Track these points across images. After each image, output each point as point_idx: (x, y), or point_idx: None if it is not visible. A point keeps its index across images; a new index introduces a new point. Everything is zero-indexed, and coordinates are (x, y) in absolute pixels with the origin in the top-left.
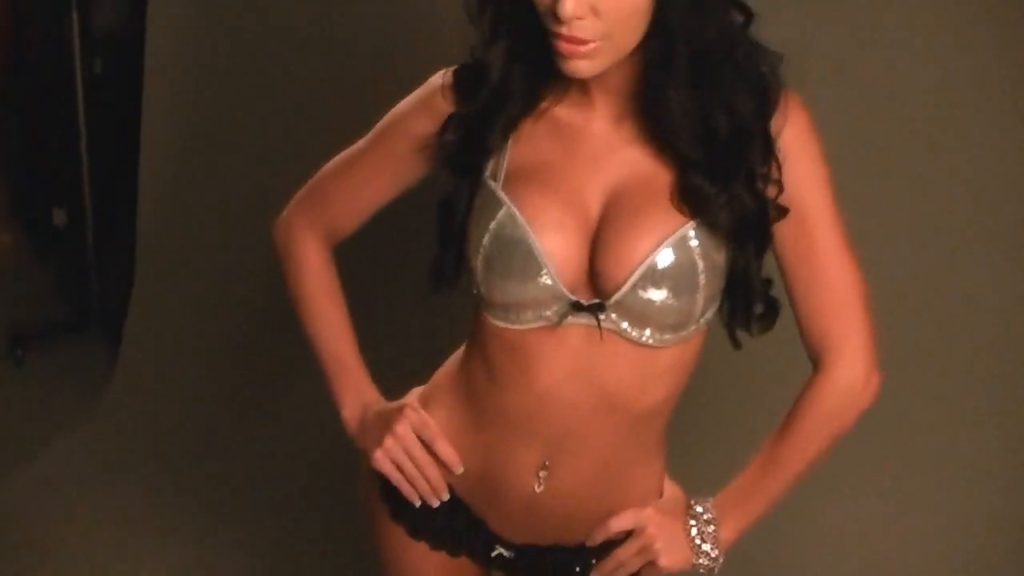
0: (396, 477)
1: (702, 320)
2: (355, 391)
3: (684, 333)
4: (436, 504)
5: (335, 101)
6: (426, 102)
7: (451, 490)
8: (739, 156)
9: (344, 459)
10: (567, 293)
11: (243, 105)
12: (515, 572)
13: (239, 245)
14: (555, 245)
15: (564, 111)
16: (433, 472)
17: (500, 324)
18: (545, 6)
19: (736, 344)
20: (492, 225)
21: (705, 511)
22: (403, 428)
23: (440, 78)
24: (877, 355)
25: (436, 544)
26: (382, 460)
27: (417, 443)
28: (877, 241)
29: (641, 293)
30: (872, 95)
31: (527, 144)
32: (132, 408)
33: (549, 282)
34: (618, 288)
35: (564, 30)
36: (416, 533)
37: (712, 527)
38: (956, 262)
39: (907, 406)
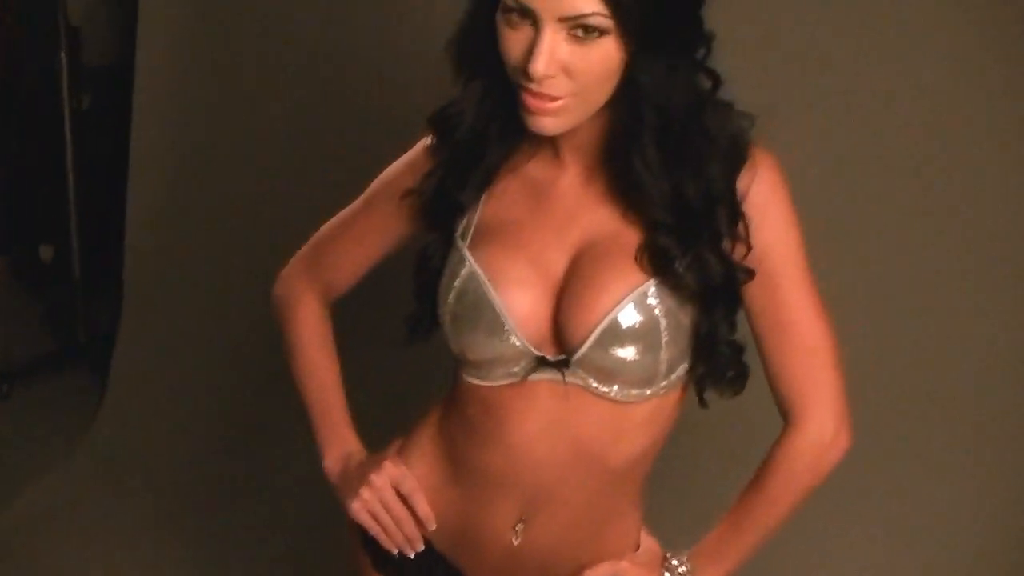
0: (372, 527)
1: (672, 376)
2: (339, 441)
3: (653, 389)
4: (411, 555)
5: (326, 134)
6: (412, 163)
7: (429, 542)
8: (707, 218)
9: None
10: (531, 350)
11: (231, 141)
12: None
13: (227, 280)
14: (517, 303)
15: (535, 168)
16: (408, 526)
17: (474, 381)
18: (516, 63)
19: (703, 404)
20: (457, 283)
21: (680, 564)
22: (381, 480)
23: (426, 141)
24: (847, 412)
25: None
26: (359, 511)
27: (394, 495)
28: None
29: (604, 350)
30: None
31: (498, 202)
32: (119, 443)
33: (513, 340)
34: (581, 345)
35: (534, 87)
36: None
37: None
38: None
39: (902, 427)
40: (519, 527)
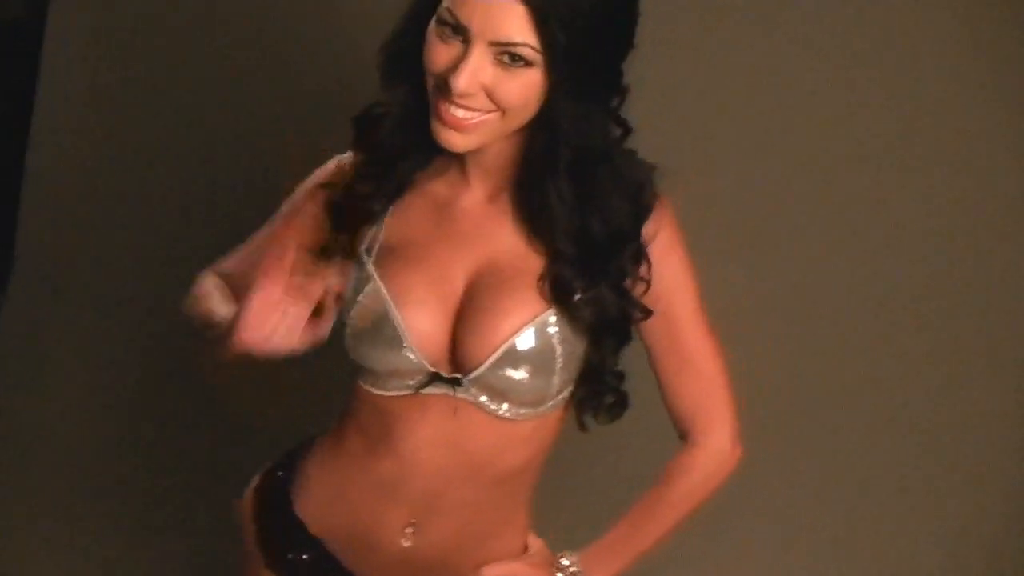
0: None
1: (560, 397)
2: None
3: (541, 408)
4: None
5: (242, 122)
6: (327, 172)
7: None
8: (610, 258)
9: (235, 475)
10: (427, 366)
11: (141, 125)
12: None
13: (126, 267)
14: (417, 322)
15: (441, 187)
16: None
17: (370, 389)
18: (439, 73)
19: (583, 427)
20: (360, 298)
21: (572, 564)
22: None
23: (335, 162)
24: (739, 428)
25: None
26: None
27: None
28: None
29: (499, 372)
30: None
31: (402, 218)
32: (5, 434)
33: (410, 356)
34: (478, 366)
35: (452, 99)
36: None
37: None
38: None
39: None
40: (409, 530)
